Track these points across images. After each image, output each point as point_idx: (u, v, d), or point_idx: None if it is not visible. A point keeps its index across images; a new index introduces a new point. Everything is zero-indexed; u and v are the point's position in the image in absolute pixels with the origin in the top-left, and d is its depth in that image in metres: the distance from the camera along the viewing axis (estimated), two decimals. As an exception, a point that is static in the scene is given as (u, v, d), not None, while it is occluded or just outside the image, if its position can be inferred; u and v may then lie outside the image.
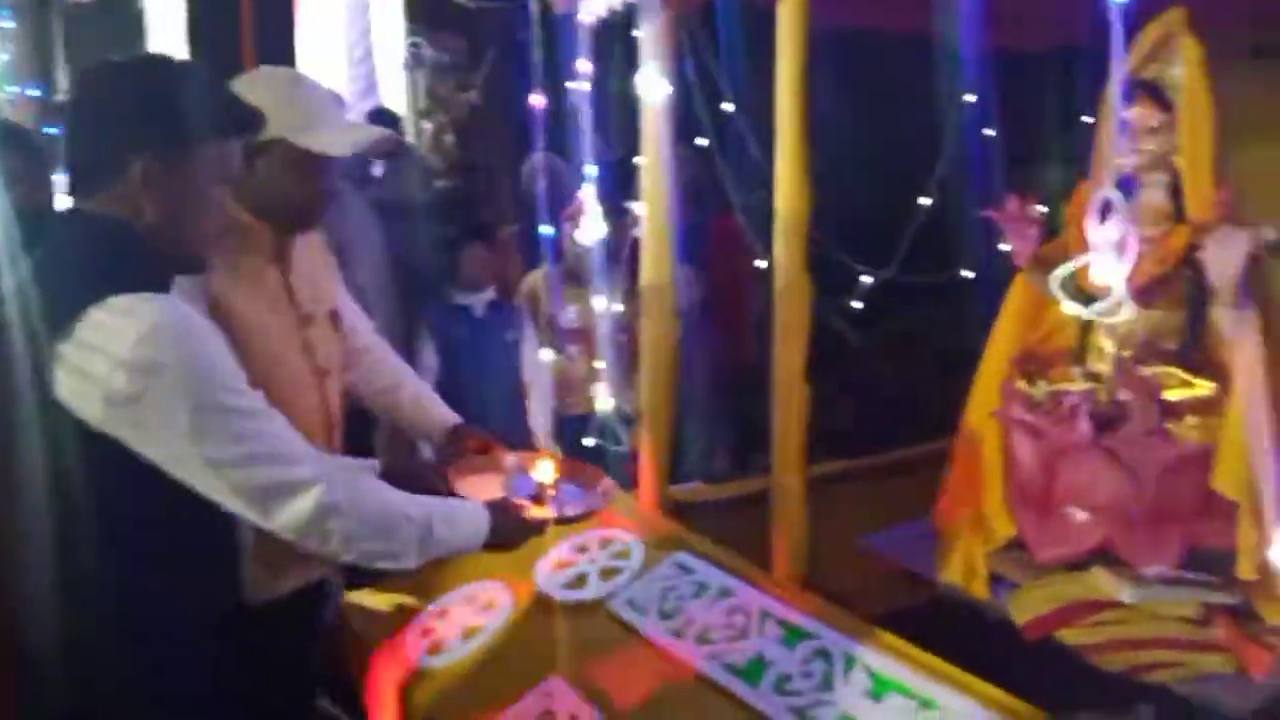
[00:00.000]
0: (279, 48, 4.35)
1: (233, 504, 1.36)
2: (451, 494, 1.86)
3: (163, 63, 1.52)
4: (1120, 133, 2.05)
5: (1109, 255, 1.21)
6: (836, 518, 2.61)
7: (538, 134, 2.78)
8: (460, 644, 2.30)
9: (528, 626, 2.30)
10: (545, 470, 2.01)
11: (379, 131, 1.89)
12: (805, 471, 2.37)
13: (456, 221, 4.01)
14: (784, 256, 2.31)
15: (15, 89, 5.21)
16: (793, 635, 2.04)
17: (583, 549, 2.50)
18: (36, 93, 5.39)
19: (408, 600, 2.47)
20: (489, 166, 4.62)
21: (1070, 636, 2.07)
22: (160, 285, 1.37)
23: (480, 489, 1.93)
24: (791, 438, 2.33)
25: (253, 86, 1.72)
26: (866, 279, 3.50)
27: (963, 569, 2.33)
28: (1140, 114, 2.14)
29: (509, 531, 1.75)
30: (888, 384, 4.40)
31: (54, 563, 1.34)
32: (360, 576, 2.52)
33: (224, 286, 1.73)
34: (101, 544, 1.33)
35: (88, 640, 1.36)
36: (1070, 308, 1.39)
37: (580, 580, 2.38)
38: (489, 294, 3.62)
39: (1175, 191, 2.18)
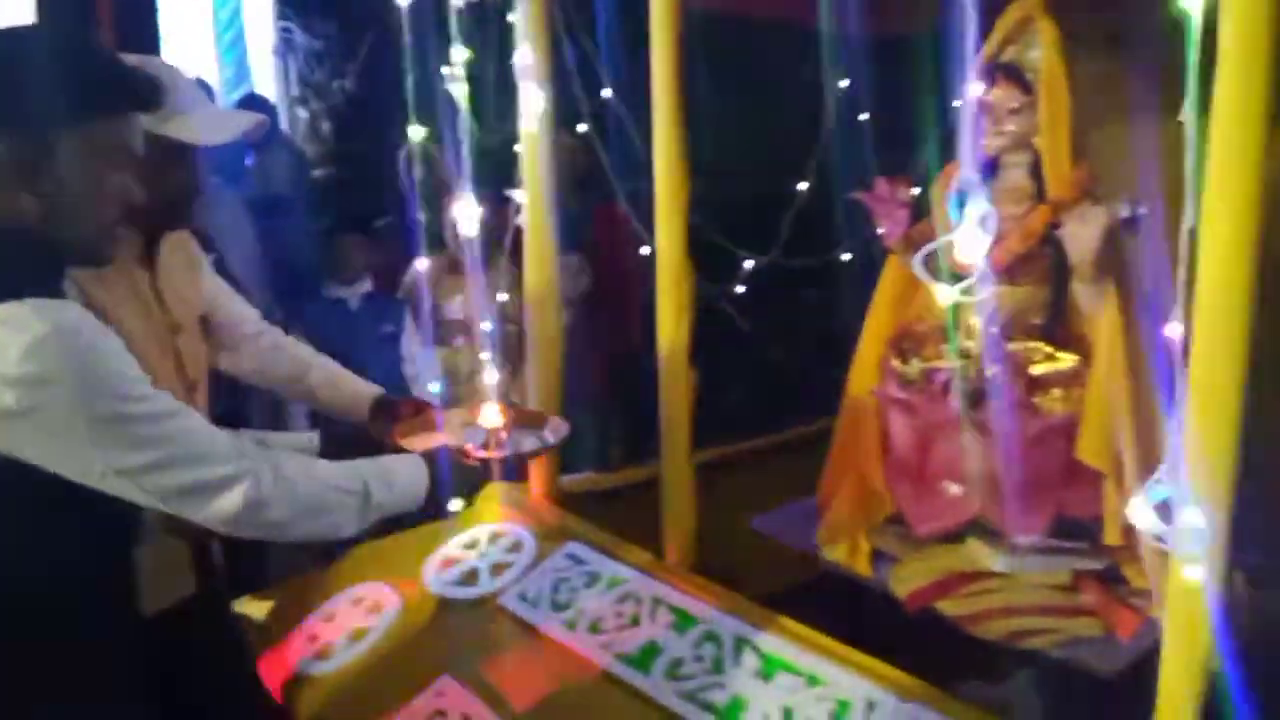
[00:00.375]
0: (140, 33, 4.11)
1: (157, 506, 1.30)
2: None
3: (36, 40, 1.37)
4: (981, 115, 2.10)
5: (970, 234, 1.24)
6: (727, 501, 2.64)
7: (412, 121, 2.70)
8: (347, 647, 2.25)
9: (417, 627, 2.26)
10: (491, 415, 1.98)
11: (250, 117, 1.79)
12: (692, 456, 2.38)
13: (332, 212, 3.89)
14: (664, 241, 2.31)
15: None
16: (684, 621, 2.05)
17: (471, 545, 2.47)
18: None
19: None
20: (366, 155, 4.49)
21: (949, 607, 2.14)
22: (49, 286, 1.27)
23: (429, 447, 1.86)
24: (678, 422, 2.34)
25: None
26: (748, 263, 3.53)
27: (846, 546, 2.38)
28: (1001, 96, 2.21)
29: (454, 479, 1.68)
30: (776, 367, 4.46)
31: None
32: (243, 585, 2.45)
33: (93, 290, 1.62)
34: None
35: None
36: (935, 287, 1.42)
37: (470, 576, 2.35)
38: (365, 286, 3.53)
39: (1036, 171, 2.26)
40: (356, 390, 2.13)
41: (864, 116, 3.49)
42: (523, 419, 2.11)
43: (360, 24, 5.36)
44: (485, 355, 2.87)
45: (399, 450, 1.82)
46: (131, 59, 1.62)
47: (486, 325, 2.87)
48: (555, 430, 2.08)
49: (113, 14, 4.07)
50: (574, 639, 2.08)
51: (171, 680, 1.50)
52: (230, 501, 1.32)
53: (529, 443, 2.02)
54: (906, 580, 2.22)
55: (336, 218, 3.65)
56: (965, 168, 1.25)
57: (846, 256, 3.69)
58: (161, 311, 1.80)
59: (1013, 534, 2.19)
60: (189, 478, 1.30)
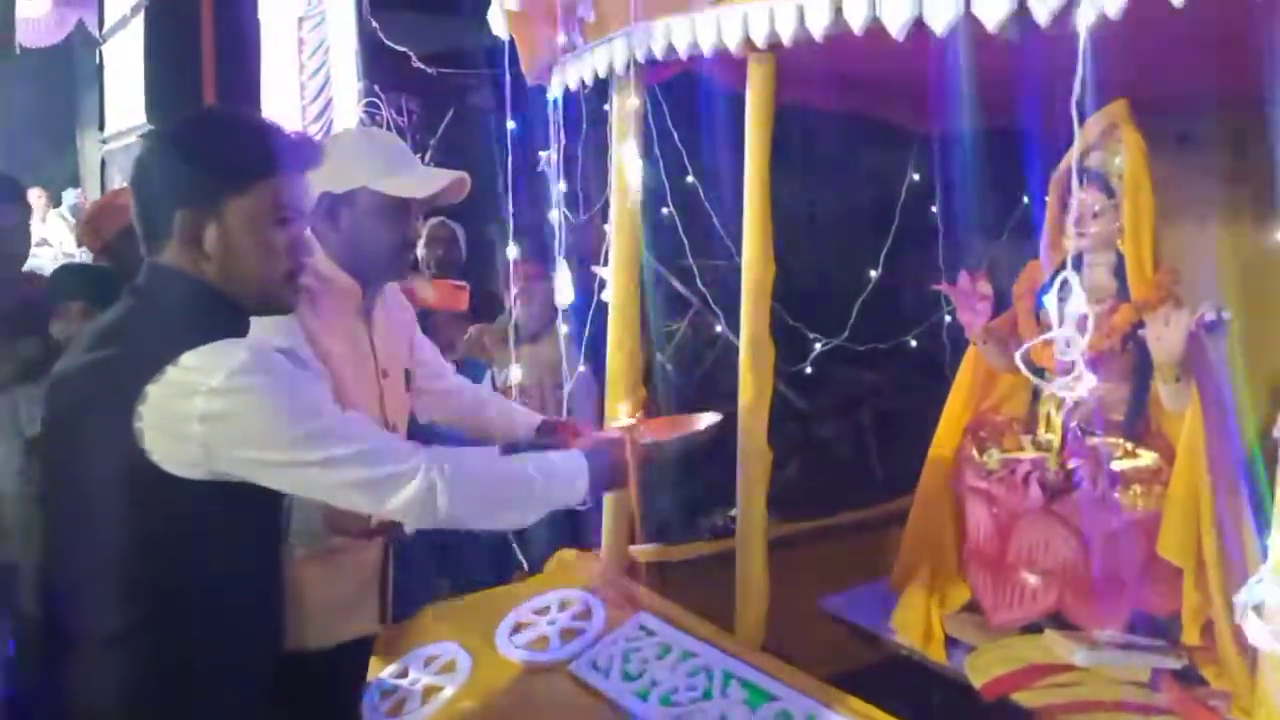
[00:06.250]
0: (243, 100, 4.33)
1: (342, 498, 1.42)
2: None
3: (199, 120, 1.55)
4: (1069, 216, 2.17)
5: (1070, 333, 1.31)
6: (790, 578, 2.65)
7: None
8: (421, 705, 2.29)
9: (489, 689, 2.29)
10: (623, 417, 2.06)
11: (454, 175, 1.91)
12: (767, 534, 2.40)
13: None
14: (749, 322, 2.36)
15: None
16: (756, 696, 2.06)
17: (542, 610, 2.51)
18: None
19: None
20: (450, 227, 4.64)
21: (1026, 699, 2.12)
22: (236, 332, 1.42)
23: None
24: (755, 500, 2.37)
25: (333, 143, 1.78)
26: (818, 345, 3.60)
27: (920, 631, 2.38)
28: (1085, 199, 2.28)
29: (611, 463, 1.76)
30: (833, 447, 4.49)
31: (110, 610, 1.37)
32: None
33: (316, 335, 1.78)
34: (156, 591, 1.37)
35: (137, 692, 1.37)
36: (1036, 382, 1.48)
37: (541, 641, 2.38)
38: (455, 354, 3.64)
39: (1118, 271, 2.31)
40: (525, 417, 2.26)
41: (934, 209, 3.59)
42: (667, 422, 2.16)
43: (442, 101, 5.60)
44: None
45: None
46: (355, 129, 1.78)
47: (565, 389, 2.97)
48: (700, 421, 2.09)
49: (216, 89, 4.31)
50: (646, 709, 2.09)
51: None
52: (407, 494, 1.42)
53: (665, 432, 2.04)
54: (983, 669, 2.21)
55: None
56: (1067, 269, 1.31)
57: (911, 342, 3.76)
58: (373, 358, 1.92)
59: (1091, 628, 2.18)
60: (367, 472, 1.40)
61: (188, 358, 1.31)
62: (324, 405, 1.42)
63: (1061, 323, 1.34)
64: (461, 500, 1.47)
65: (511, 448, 2.05)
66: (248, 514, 1.41)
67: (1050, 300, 1.36)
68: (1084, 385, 1.35)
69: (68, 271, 2.60)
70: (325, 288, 1.81)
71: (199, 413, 1.30)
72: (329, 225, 1.82)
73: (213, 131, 1.47)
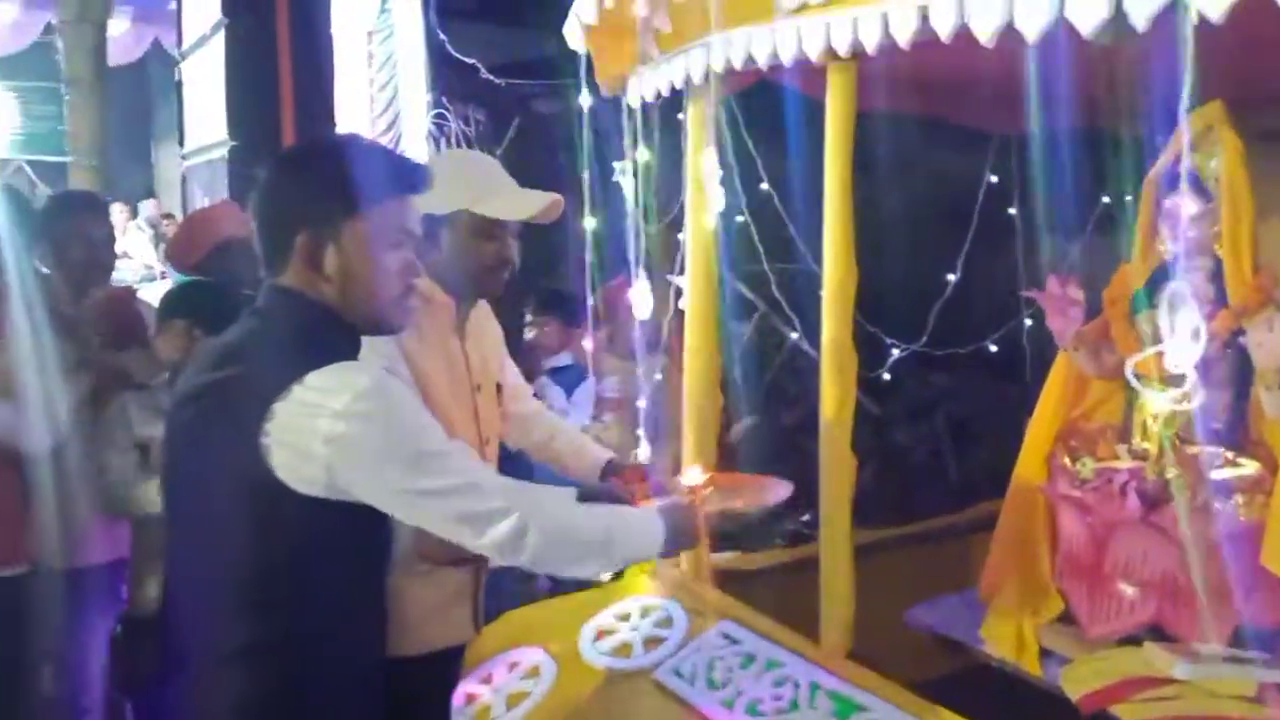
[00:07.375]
0: (318, 116, 4.44)
1: (442, 528, 1.46)
2: None
3: (317, 145, 1.64)
4: (1161, 220, 2.11)
5: (1184, 344, 1.27)
6: (868, 586, 2.62)
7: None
8: (506, 712, 2.32)
9: (574, 695, 2.31)
10: (693, 474, 2.03)
11: (550, 196, 1.95)
12: (852, 542, 2.38)
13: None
14: (831, 329, 2.34)
15: (73, 158, 5.36)
16: (844, 708, 2.05)
17: (624, 617, 2.52)
18: (94, 162, 5.52)
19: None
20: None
21: (1125, 712, 2.08)
22: (350, 353, 1.48)
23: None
24: (839, 508, 2.35)
25: (433, 166, 1.83)
26: (896, 350, 3.57)
27: (1013, 643, 2.35)
28: (1182, 204, 2.22)
29: (685, 527, 1.76)
30: (909, 452, 4.43)
31: (231, 623, 1.42)
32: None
33: (414, 352, 1.84)
34: (277, 605, 1.41)
35: (255, 705, 1.42)
36: (1145, 395, 1.45)
37: (624, 648, 2.39)
38: (555, 361, 3.70)
39: (1214, 276, 2.26)
40: (594, 456, 2.30)
41: (1012, 211, 3.53)
42: (737, 482, 2.15)
43: (508, 110, 5.66)
44: (640, 432, 2.99)
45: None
46: (455, 152, 1.82)
47: (642, 402, 2.98)
48: (771, 487, 2.06)
49: (294, 105, 4.42)
50: (732, 719, 2.09)
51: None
52: (500, 531, 1.46)
53: (737, 500, 2.00)
54: (1080, 681, 2.17)
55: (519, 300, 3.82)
56: (1176, 279, 1.29)
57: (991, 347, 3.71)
58: (467, 372, 1.98)
59: (1192, 640, 2.13)
60: (468, 506, 1.45)
61: (313, 378, 1.36)
62: (438, 435, 1.46)
63: (1172, 333, 1.31)
64: (549, 544, 1.51)
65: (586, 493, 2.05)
66: (363, 529, 1.45)
67: (1162, 311, 1.33)
68: (1199, 398, 1.32)
69: (173, 292, 2.70)
70: (423, 305, 1.86)
71: (324, 434, 1.34)
72: (429, 245, 1.86)
73: (331, 156, 1.52)
